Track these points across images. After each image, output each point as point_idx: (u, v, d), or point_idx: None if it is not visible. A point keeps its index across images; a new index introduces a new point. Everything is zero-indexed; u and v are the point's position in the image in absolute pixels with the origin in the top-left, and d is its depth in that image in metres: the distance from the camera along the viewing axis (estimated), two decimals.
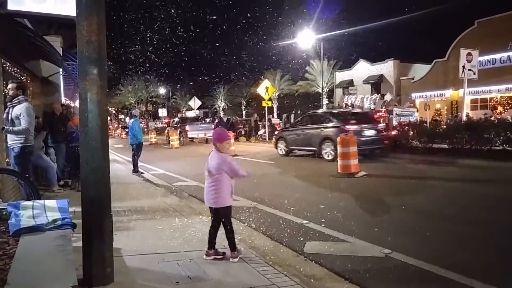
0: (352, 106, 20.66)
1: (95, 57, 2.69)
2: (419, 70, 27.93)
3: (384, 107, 18.38)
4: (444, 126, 13.85)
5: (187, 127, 21.82)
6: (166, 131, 26.04)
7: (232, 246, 3.29)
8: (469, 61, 13.97)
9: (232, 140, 14.90)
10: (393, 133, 14.01)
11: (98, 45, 2.70)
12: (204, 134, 21.62)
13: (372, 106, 19.33)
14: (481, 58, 17.88)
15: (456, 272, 3.10)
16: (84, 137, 2.71)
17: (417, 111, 19.45)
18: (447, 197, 6.29)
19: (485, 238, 4.09)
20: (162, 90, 51.48)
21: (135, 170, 9.29)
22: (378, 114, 18.59)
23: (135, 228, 4.31)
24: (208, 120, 29.70)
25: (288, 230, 4.44)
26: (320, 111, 14.86)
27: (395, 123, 15.89)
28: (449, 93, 24.00)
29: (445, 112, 24.78)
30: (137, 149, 9.40)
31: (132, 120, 10.19)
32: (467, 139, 11.35)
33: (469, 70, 13.96)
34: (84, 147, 2.71)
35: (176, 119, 27.85)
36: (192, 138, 21.83)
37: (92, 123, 2.69)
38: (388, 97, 20.10)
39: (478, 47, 14.79)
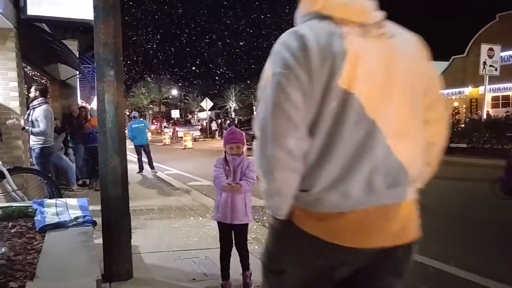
0: None
1: (112, 59, 2.76)
2: (436, 67, 26.99)
3: None
4: (462, 125, 13.56)
5: (176, 128, 29.57)
6: (163, 131, 30.93)
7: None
8: (490, 56, 13.56)
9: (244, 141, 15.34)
10: None
11: (114, 47, 2.76)
12: (191, 134, 26.74)
13: None
14: (503, 54, 17.31)
15: (470, 272, 3.06)
16: (102, 138, 2.78)
17: None
18: (464, 197, 6.15)
19: (504, 240, 3.99)
20: (174, 92, 52.04)
21: (151, 167, 9.45)
22: None
23: (151, 226, 4.39)
24: (205, 121, 33.60)
25: None
26: (248, 117, 18.48)
27: None
28: (468, 90, 23.37)
29: (464, 110, 24.19)
30: (148, 149, 9.55)
31: (139, 119, 10.28)
32: (488, 138, 11.04)
33: (490, 66, 13.54)
34: (102, 147, 2.78)
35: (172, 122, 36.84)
36: (181, 136, 25.22)
37: (110, 123, 2.76)
38: None
39: (500, 42, 14.34)
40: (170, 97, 52.20)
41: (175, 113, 44.45)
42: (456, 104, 25.04)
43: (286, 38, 0.98)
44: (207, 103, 30.79)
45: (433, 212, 5.16)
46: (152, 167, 9.48)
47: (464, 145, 11.63)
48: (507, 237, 4.01)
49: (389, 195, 0.98)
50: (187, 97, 53.05)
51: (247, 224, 2.75)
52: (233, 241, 2.75)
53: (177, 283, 2.78)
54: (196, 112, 50.70)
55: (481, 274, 3.02)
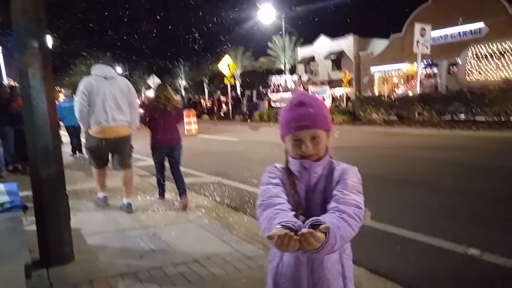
0: (279, 85, 22.14)
1: (34, 28, 2.49)
2: (378, 44, 28.62)
3: (301, 85, 20.66)
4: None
5: None
6: None
7: None
8: (422, 35, 14.54)
9: (195, 119, 14.72)
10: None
11: (35, 14, 2.49)
12: None
13: (293, 86, 21.17)
14: (434, 34, 18.64)
15: (426, 234, 3.25)
16: (28, 116, 2.54)
17: (330, 88, 21.99)
18: (407, 165, 6.66)
19: (459, 204, 4.42)
20: (118, 69, 48.77)
21: (79, 150, 8.78)
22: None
23: (96, 208, 4.20)
24: None
25: (252, 202, 4.54)
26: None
27: None
28: (405, 67, 25.01)
29: (402, 85, 25.92)
30: (78, 131, 8.65)
31: (71, 98, 9.24)
32: (420, 110, 12.17)
33: (422, 44, 14.56)
34: (29, 126, 2.55)
35: None
36: None
37: (37, 100, 2.53)
38: (304, 77, 22.49)
39: (432, 23, 15.42)
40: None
41: None
42: (396, 80, 26.74)
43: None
44: (154, 80, 29.39)
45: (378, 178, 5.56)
46: (80, 150, 8.80)
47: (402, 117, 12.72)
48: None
49: (113, 122, 3.98)
50: (132, 75, 50.09)
51: None
52: None
53: (124, 261, 2.72)
54: (143, 91, 48.35)
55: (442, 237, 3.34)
